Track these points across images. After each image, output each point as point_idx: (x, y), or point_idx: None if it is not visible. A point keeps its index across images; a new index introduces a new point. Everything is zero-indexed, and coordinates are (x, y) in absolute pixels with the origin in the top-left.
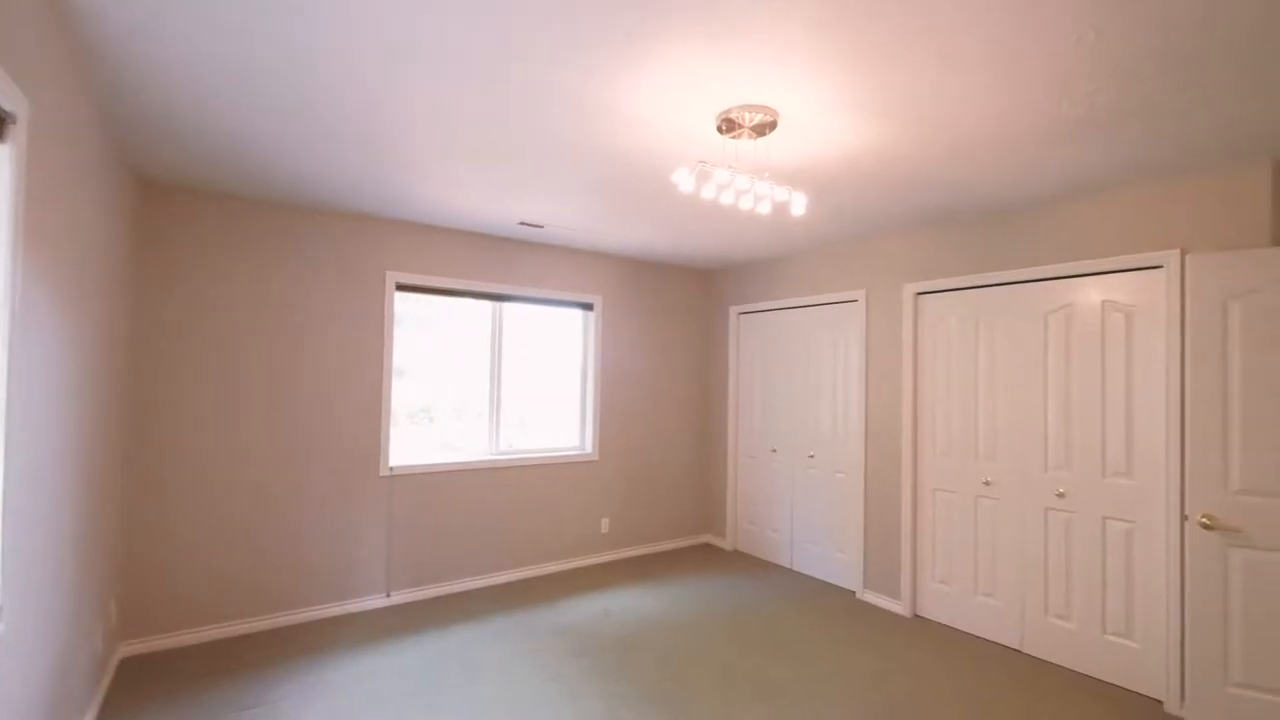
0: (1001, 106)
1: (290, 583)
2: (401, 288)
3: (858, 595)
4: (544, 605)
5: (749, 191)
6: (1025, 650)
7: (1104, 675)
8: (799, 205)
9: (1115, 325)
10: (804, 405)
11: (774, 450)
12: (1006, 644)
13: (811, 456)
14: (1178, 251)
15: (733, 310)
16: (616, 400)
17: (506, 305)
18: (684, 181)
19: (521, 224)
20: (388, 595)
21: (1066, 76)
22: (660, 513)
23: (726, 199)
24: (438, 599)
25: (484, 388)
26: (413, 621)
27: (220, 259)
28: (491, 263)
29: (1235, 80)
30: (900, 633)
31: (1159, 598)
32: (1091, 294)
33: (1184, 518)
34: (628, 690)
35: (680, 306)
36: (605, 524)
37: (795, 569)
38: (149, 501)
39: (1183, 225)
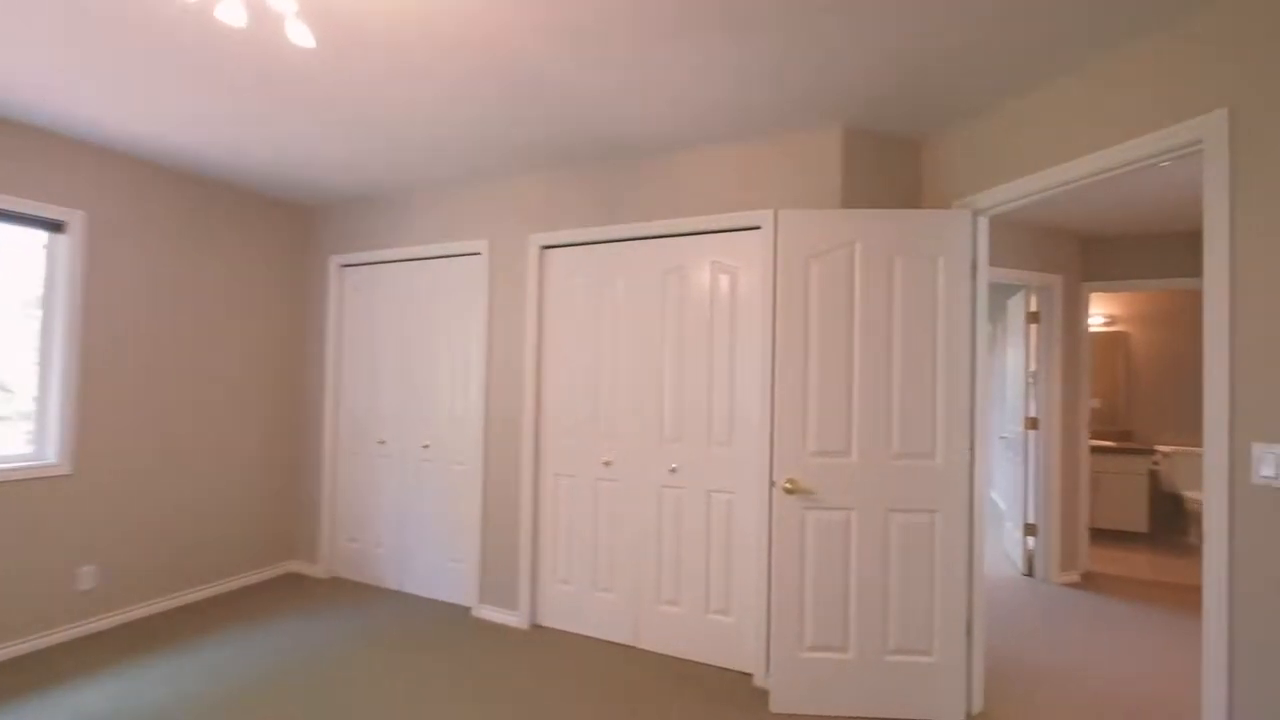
0: None
1: None
2: None
3: (473, 612)
4: None
5: None
6: (640, 645)
7: (707, 658)
8: (299, 30)
9: (722, 287)
10: (420, 384)
11: (382, 442)
12: (622, 642)
13: (426, 447)
14: (772, 212)
15: (334, 261)
16: (126, 380)
17: None
18: None
19: None
20: None
21: None
22: (211, 542)
23: None
24: None
25: None
26: None
27: None
28: None
29: (787, 48)
30: (511, 652)
31: (753, 570)
32: (703, 254)
33: (772, 484)
34: None
35: (252, 247)
36: (89, 575)
37: (405, 590)
38: None
39: (777, 186)
